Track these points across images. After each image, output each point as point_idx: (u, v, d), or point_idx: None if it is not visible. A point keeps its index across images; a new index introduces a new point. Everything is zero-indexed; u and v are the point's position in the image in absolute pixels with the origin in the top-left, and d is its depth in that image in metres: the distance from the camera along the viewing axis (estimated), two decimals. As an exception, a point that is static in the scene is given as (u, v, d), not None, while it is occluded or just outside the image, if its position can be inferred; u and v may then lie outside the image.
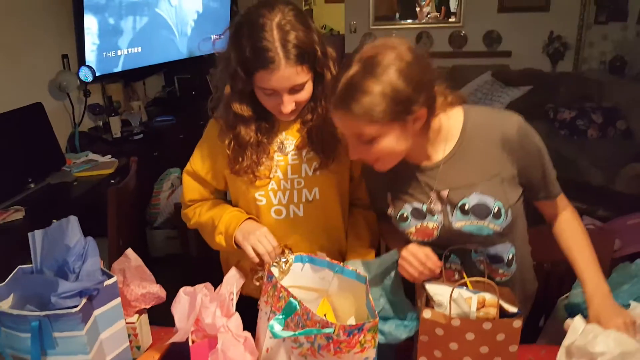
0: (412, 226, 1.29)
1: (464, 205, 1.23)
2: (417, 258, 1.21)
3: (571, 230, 1.33)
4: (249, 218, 1.39)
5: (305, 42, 1.18)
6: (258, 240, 1.29)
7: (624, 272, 1.46)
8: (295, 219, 1.41)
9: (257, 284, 1.33)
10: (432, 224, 1.27)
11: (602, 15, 4.99)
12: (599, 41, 5.08)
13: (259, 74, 1.19)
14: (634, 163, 3.34)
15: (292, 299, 0.99)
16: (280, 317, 1.00)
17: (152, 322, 1.36)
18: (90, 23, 3.19)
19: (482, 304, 1.12)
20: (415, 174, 1.28)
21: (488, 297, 1.13)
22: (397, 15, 5.71)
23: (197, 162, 1.45)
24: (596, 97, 4.59)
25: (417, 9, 5.64)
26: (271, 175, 1.37)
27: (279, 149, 1.38)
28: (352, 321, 1.14)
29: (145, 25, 3.75)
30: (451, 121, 1.24)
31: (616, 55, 4.95)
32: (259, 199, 1.39)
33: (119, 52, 3.52)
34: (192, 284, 1.16)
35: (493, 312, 1.10)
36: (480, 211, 1.22)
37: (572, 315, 1.38)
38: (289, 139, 1.38)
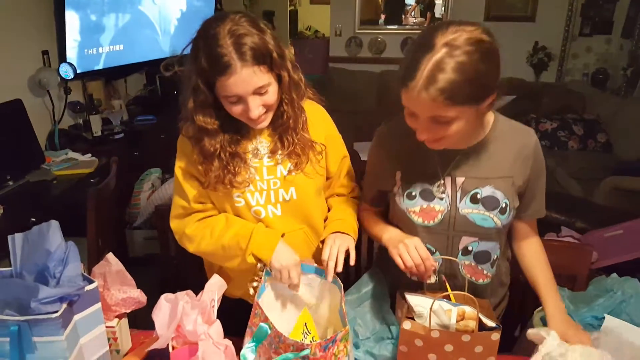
0: (417, 205, 1.32)
1: (476, 194, 1.28)
2: (419, 251, 1.24)
3: (537, 252, 1.43)
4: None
5: (259, 43, 1.20)
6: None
7: (599, 285, 1.49)
8: (274, 219, 1.42)
9: (252, 292, 1.34)
10: (439, 207, 1.31)
11: (586, 28, 5.07)
12: (583, 53, 5.17)
13: (219, 83, 1.21)
14: (613, 176, 3.40)
15: (262, 324, 0.99)
16: (252, 344, 0.99)
17: (132, 325, 1.35)
18: (72, 19, 3.13)
19: (461, 317, 1.14)
20: (434, 156, 1.30)
21: (468, 310, 1.15)
22: (382, 19, 5.74)
23: (186, 161, 1.42)
24: (578, 109, 4.67)
25: (403, 15, 5.68)
26: (248, 178, 1.37)
27: (253, 155, 1.39)
28: (330, 331, 1.15)
29: (128, 23, 3.71)
30: (484, 122, 1.29)
31: (599, 68, 5.05)
32: (237, 200, 1.39)
33: (100, 50, 3.47)
34: (171, 286, 1.16)
35: (472, 324, 1.12)
36: (490, 203, 1.28)
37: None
38: (262, 142, 1.40)
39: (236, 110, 1.26)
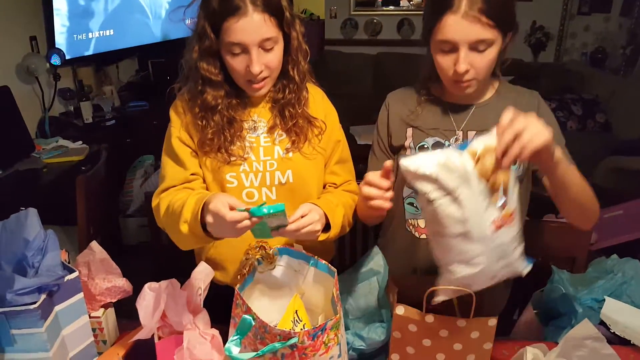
0: None
1: None
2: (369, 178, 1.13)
3: None
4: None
5: None
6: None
7: (599, 267, 1.46)
8: (268, 202, 1.36)
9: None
10: None
11: (585, 6, 5.01)
12: (581, 32, 5.11)
13: (227, 25, 1.18)
14: (612, 156, 3.36)
15: (245, 316, 0.94)
16: (236, 337, 0.95)
17: (122, 315, 1.32)
18: (60, 4, 3.09)
19: (476, 158, 0.97)
20: (447, 111, 1.37)
21: (478, 145, 0.97)
22: (380, 1, 5.66)
23: (175, 141, 1.35)
24: (577, 89, 4.61)
25: (400, -5, 5.62)
26: (245, 156, 1.33)
27: (251, 130, 1.35)
28: (322, 319, 1.11)
29: (118, 7, 3.65)
30: (492, 79, 1.38)
31: (598, 47, 4.98)
32: (229, 180, 1.34)
33: (90, 35, 3.41)
34: (165, 275, 1.12)
35: (491, 161, 0.96)
36: None
37: (546, 310, 1.38)
38: (262, 120, 1.36)
39: (238, 64, 1.23)
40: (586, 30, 5.06)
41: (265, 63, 1.23)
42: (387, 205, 1.10)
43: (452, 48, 1.21)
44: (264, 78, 1.26)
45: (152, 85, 4.11)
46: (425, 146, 1.36)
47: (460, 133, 1.35)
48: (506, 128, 0.94)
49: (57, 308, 1.06)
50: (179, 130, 1.34)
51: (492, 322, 1.06)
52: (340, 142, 1.47)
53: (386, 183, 1.08)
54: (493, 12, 1.15)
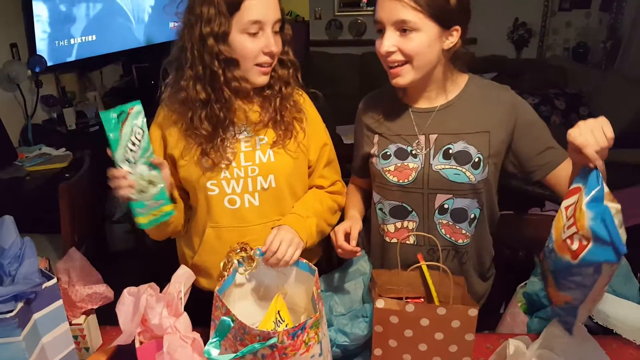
0: (392, 164, 1.35)
1: (448, 149, 1.30)
2: (336, 234, 1.30)
3: None
4: None
5: None
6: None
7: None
8: (250, 209, 1.36)
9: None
10: (413, 164, 1.33)
11: (566, 2, 5.05)
12: (563, 28, 5.14)
13: (247, 3, 1.19)
14: (595, 149, 3.38)
15: (224, 318, 0.94)
16: (215, 339, 0.95)
17: (106, 322, 1.32)
18: (40, 10, 3.06)
19: None
20: (409, 115, 1.37)
21: None
22: (365, 1, 5.66)
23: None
24: (560, 84, 4.64)
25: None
26: (225, 163, 1.32)
27: (239, 132, 1.33)
28: (304, 318, 1.11)
29: (100, 12, 3.62)
30: (458, 78, 1.35)
31: (580, 42, 5.03)
32: (210, 188, 1.33)
33: (72, 41, 3.38)
34: (151, 280, 1.11)
35: None
36: (462, 157, 1.30)
37: (530, 302, 1.38)
38: (243, 125, 1.34)
39: (253, 45, 1.23)
40: (568, 26, 5.10)
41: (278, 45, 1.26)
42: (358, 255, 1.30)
43: (382, 29, 1.24)
44: (271, 63, 1.27)
45: (137, 90, 4.08)
46: (388, 153, 1.37)
47: (422, 137, 1.34)
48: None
49: (35, 316, 1.04)
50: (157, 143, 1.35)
51: (473, 312, 1.06)
52: (327, 145, 1.47)
53: (356, 248, 1.27)
54: None
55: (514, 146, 1.33)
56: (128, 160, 1.14)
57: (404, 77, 1.26)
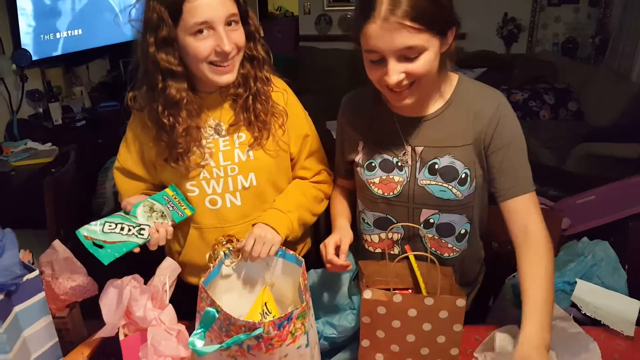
0: (377, 177, 1.29)
1: (434, 164, 1.24)
2: (327, 247, 1.21)
3: (536, 268, 1.15)
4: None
5: None
6: None
7: (570, 250, 1.47)
8: (232, 209, 1.34)
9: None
10: (398, 177, 1.27)
11: (555, -3, 5.08)
12: (552, 23, 5.16)
13: (189, 5, 1.13)
14: (584, 143, 3.39)
15: (208, 309, 0.92)
16: (199, 331, 0.93)
17: (91, 315, 1.27)
18: (25, 4, 3.01)
19: None
20: (396, 125, 1.27)
21: None
22: (353, -3, 5.65)
23: (125, 156, 1.38)
24: (549, 79, 4.65)
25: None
26: (203, 164, 1.29)
27: (215, 132, 1.31)
28: (291, 309, 1.10)
29: (86, 6, 3.57)
30: (446, 84, 1.25)
31: (569, 37, 5.06)
32: (190, 189, 1.31)
33: (57, 35, 3.34)
34: (139, 274, 1.09)
35: None
36: (448, 174, 1.23)
37: (518, 294, 1.37)
38: (219, 124, 1.31)
39: (204, 46, 1.16)
40: (557, 21, 5.12)
41: (233, 42, 1.19)
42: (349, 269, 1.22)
43: (381, 58, 1.09)
44: (232, 58, 1.21)
45: (124, 84, 4.01)
46: (373, 164, 1.29)
47: (409, 148, 1.26)
48: None
49: (16, 308, 1.03)
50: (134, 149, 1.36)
51: (461, 302, 1.05)
52: (309, 136, 1.43)
53: (346, 263, 1.18)
54: (420, 14, 1.03)
55: (487, 159, 1.24)
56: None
57: (411, 97, 1.15)
